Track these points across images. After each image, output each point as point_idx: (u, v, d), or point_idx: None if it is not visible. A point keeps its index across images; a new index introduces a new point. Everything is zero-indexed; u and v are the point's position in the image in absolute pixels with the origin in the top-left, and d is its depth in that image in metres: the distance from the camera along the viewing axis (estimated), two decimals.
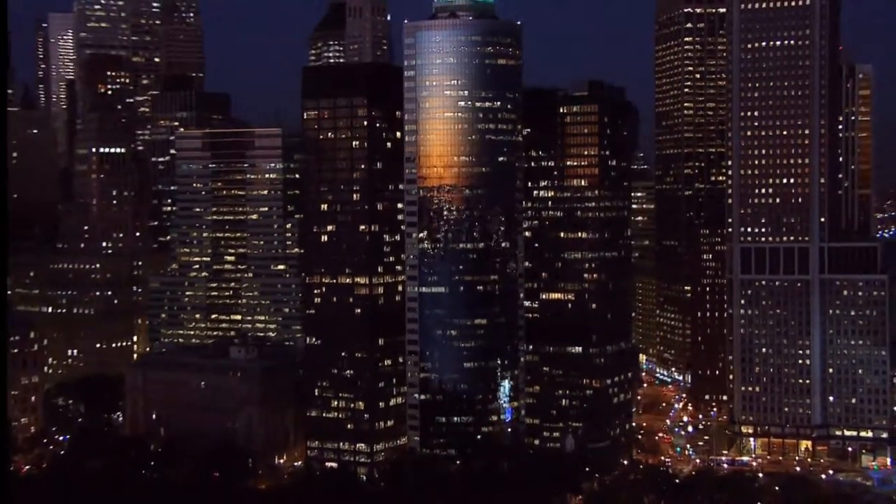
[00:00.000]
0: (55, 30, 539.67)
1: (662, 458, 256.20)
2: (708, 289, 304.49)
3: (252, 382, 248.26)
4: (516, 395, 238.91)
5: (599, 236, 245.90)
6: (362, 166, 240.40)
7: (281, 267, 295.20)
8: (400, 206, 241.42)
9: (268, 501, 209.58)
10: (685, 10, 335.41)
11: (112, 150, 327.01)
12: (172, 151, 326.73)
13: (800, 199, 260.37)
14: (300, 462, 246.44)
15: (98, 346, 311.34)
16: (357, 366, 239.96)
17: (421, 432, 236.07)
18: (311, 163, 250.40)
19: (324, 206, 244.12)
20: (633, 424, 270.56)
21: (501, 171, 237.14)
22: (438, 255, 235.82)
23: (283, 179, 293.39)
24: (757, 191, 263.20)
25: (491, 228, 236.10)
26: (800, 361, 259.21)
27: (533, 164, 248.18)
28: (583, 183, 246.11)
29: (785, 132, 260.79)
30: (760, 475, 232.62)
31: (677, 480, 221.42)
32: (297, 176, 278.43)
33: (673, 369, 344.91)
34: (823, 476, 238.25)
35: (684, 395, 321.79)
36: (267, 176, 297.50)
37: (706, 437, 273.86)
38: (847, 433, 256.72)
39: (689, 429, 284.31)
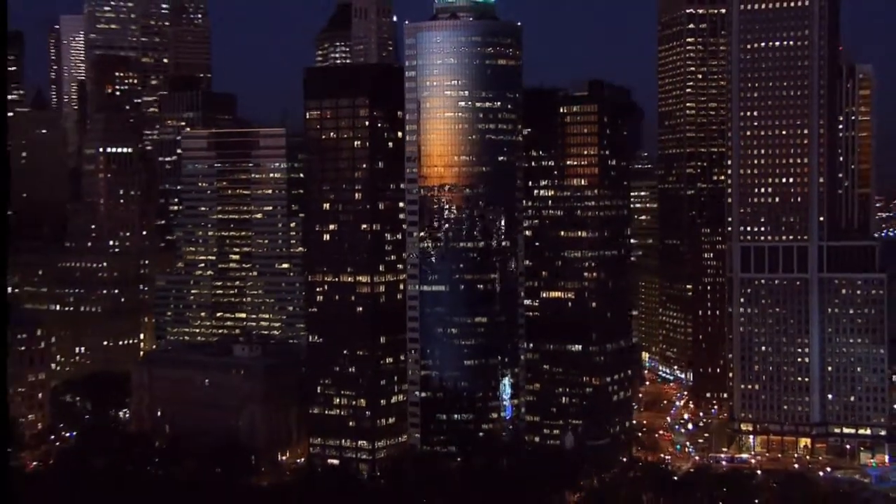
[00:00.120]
0: (67, 31, 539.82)
1: (662, 455, 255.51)
2: (709, 287, 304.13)
3: (255, 380, 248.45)
4: (516, 393, 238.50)
5: (599, 235, 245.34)
6: (364, 166, 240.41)
7: (285, 266, 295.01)
8: (401, 205, 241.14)
9: (269, 498, 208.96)
10: (687, 11, 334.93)
11: (119, 149, 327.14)
12: (179, 151, 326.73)
13: (799, 199, 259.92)
14: (303, 459, 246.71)
15: (105, 343, 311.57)
16: (359, 363, 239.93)
17: (422, 430, 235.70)
18: (314, 162, 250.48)
19: (326, 206, 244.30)
20: (634, 422, 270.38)
21: (501, 171, 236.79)
22: (439, 253, 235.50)
23: (287, 179, 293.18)
24: (756, 190, 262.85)
25: (491, 227, 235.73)
26: (799, 359, 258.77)
27: (533, 163, 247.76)
28: (583, 182, 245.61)
29: (784, 132, 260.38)
30: (759, 472, 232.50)
31: (675, 478, 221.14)
32: (302, 175, 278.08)
33: (675, 367, 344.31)
34: (821, 473, 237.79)
35: (686, 393, 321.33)
36: (271, 175, 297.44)
37: (706, 435, 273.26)
38: (846, 431, 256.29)
39: (690, 426, 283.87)
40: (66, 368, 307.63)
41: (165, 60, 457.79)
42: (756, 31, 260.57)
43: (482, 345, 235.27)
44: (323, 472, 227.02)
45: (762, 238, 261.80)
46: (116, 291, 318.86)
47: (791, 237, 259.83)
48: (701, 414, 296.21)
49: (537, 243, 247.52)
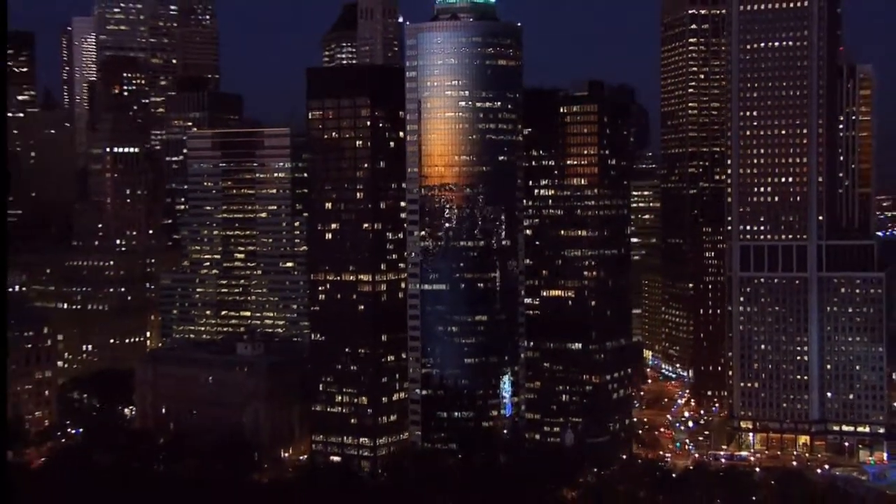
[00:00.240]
0: (79, 33, 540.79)
1: (661, 452, 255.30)
2: (710, 286, 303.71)
3: (258, 378, 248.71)
4: (516, 391, 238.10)
5: (599, 234, 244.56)
6: (365, 165, 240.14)
7: (289, 264, 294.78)
8: (402, 204, 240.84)
9: (271, 495, 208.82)
10: (689, 12, 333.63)
11: (126, 149, 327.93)
12: (185, 151, 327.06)
13: (798, 198, 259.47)
14: (305, 456, 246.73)
15: (112, 341, 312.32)
16: (360, 361, 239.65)
17: (423, 427, 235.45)
18: (316, 162, 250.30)
19: (328, 205, 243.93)
20: (634, 420, 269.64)
21: (502, 170, 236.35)
22: (440, 252, 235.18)
23: (291, 178, 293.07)
24: (756, 189, 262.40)
25: (491, 226, 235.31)
26: (798, 358, 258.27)
27: (534, 163, 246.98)
28: (583, 182, 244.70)
29: (783, 132, 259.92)
30: (757, 470, 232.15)
31: (674, 475, 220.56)
32: (306, 175, 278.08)
33: (677, 365, 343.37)
34: (819, 471, 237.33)
35: (687, 391, 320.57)
36: (276, 175, 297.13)
37: (706, 433, 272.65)
38: (845, 429, 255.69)
39: (690, 424, 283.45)
40: (74, 366, 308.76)
41: (174, 61, 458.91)
42: (755, 31, 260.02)
43: (482, 343, 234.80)
44: (324, 468, 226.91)
45: (762, 237, 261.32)
46: (123, 290, 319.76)
47: (790, 236, 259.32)
48: (702, 412, 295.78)
49: (538, 242, 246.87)
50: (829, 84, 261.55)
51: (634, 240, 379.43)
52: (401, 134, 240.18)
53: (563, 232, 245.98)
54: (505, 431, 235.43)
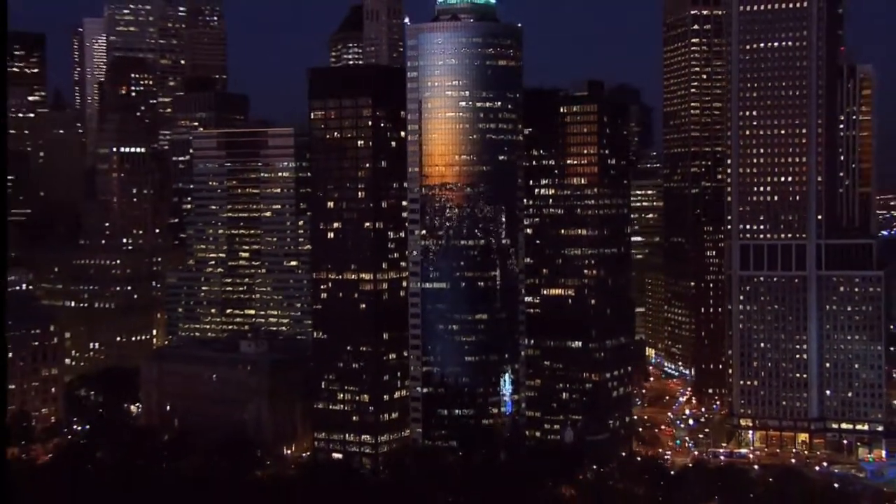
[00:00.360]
0: (90, 34, 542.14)
1: (661, 450, 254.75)
2: (711, 284, 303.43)
3: (261, 375, 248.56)
4: (517, 389, 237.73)
5: (599, 233, 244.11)
6: (367, 165, 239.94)
7: (293, 263, 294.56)
8: (404, 203, 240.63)
9: (272, 492, 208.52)
10: (692, 13, 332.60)
11: (132, 149, 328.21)
12: (191, 151, 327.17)
13: (797, 197, 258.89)
14: (308, 453, 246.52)
15: (118, 339, 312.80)
16: (362, 359, 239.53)
17: (423, 424, 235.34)
18: (318, 162, 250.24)
19: (330, 204, 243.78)
20: (635, 417, 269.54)
21: (502, 170, 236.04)
22: (440, 251, 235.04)
23: (295, 178, 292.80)
24: (755, 189, 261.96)
25: (491, 226, 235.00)
26: (797, 356, 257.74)
27: (534, 162, 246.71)
28: (582, 181, 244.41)
29: (783, 131, 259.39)
30: (756, 467, 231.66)
31: (672, 473, 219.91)
32: (309, 174, 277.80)
33: (680, 363, 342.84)
34: (817, 468, 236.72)
35: (689, 389, 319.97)
36: (280, 174, 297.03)
37: (706, 430, 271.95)
38: (843, 426, 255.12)
39: (691, 422, 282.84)
40: (81, 363, 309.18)
41: (182, 62, 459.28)
42: (755, 31, 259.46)
43: (483, 341, 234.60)
44: (325, 465, 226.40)
45: (761, 236, 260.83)
46: (129, 288, 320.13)
47: (790, 235, 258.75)
48: (702, 409, 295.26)
49: (538, 241, 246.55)
50: (828, 84, 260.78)
51: (637, 238, 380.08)
52: (402, 134, 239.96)
53: (563, 231, 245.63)
54: (505, 429, 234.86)
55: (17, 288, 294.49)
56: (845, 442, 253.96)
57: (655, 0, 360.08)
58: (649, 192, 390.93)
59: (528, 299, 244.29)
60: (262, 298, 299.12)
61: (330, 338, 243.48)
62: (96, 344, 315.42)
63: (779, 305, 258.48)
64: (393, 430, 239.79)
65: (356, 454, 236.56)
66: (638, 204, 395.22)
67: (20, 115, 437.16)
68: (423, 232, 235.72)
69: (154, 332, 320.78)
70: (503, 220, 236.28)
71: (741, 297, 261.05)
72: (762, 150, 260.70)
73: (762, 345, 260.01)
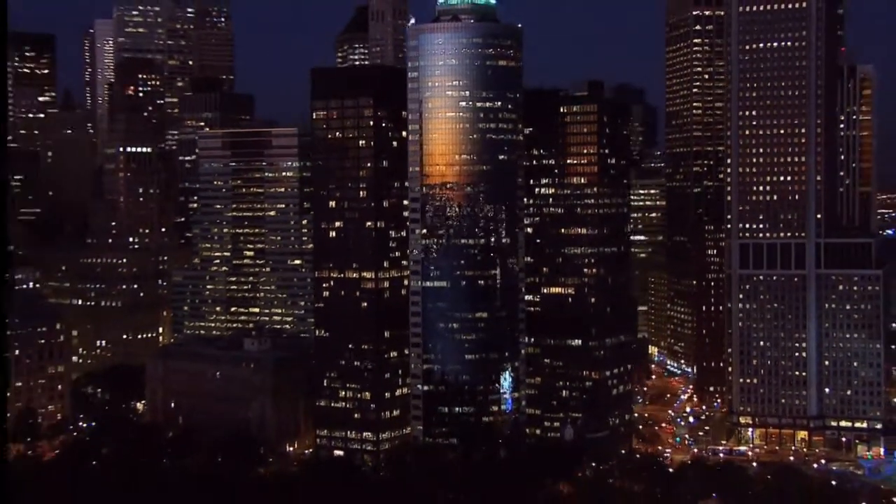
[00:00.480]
0: (101, 35, 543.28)
1: (661, 447, 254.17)
2: (712, 283, 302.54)
3: (264, 373, 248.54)
4: (517, 387, 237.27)
5: (599, 232, 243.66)
6: (368, 165, 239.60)
7: (297, 262, 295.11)
8: (405, 203, 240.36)
9: (274, 489, 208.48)
10: (694, 13, 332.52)
11: (139, 149, 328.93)
12: (197, 151, 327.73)
13: (797, 197, 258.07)
14: (311, 450, 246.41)
15: (125, 337, 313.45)
16: (364, 357, 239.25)
17: (424, 422, 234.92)
18: (320, 161, 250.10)
19: (332, 203, 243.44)
20: (636, 415, 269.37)
21: (502, 169, 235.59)
22: (441, 250, 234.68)
23: (299, 177, 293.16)
24: (755, 188, 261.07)
25: (492, 225, 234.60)
26: (796, 354, 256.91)
27: (534, 162, 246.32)
28: (582, 180, 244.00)
29: (782, 131, 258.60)
30: (754, 464, 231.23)
31: (671, 470, 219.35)
32: (311, 174, 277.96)
33: (682, 361, 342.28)
34: (816, 465, 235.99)
35: (691, 387, 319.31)
36: (284, 174, 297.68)
37: (707, 428, 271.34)
38: (842, 424, 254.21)
39: (691, 419, 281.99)
40: (88, 361, 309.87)
41: (190, 63, 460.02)
42: (755, 32, 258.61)
43: (483, 339, 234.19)
44: (326, 463, 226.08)
45: (761, 235, 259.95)
46: (136, 286, 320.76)
47: (789, 234, 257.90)
48: (703, 407, 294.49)
49: (538, 240, 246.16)
50: (828, 84, 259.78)
51: (641, 237, 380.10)
52: (403, 133, 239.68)
53: (563, 230, 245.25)
54: (505, 427, 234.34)
55: (25, 286, 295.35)
56: (844, 439, 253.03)
57: (658, 0, 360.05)
58: (652, 191, 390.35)
59: (528, 298, 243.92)
60: (267, 297, 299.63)
61: (332, 336, 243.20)
62: (103, 342, 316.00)
63: (778, 304, 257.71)
64: (394, 427, 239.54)
65: (358, 451, 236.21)
66: (641, 203, 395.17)
67: (30, 115, 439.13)
68: (424, 231, 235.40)
69: (160, 330, 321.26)
70: (503, 219, 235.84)
71: (741, 296, 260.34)
72: (762, 150, 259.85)
73: (762, 343, 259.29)
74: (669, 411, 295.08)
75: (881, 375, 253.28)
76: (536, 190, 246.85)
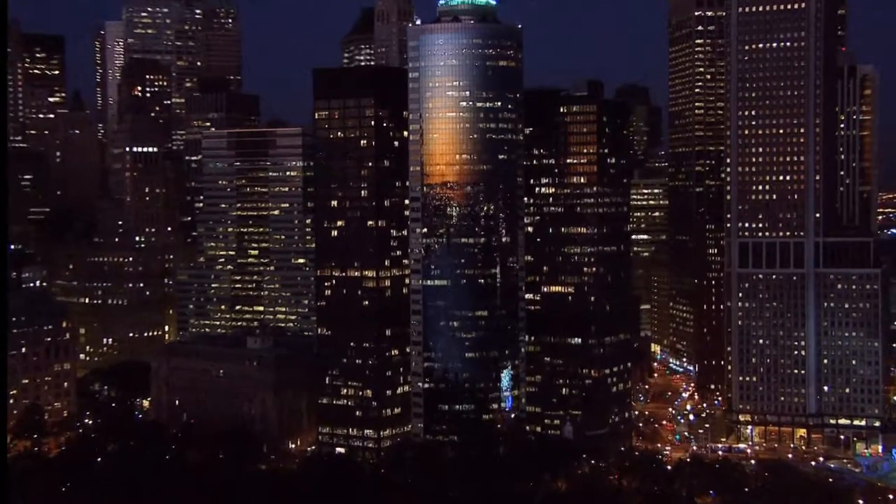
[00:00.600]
0: (111, 37, 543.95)
1: (660, 445, 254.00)
2: (713, 282, 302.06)
3: (267, 370, 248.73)
4: (517, 384, 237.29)
5: (598, 231, 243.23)
6: (370, 164, 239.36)
7: (301, 261, 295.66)
8: (406, 202, 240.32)
9: (273, 485, 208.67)
10: (696, 14, 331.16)
11: (145, 149, 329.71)
12: (203, 150, 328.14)
13: (796, 196, 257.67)
14: (313, 447, 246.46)
15: (131, 335, 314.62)
16: (365, 355, 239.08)
17: (425, 419, 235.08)
18: (322, 161, 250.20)
19: (334, 203, 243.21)
20: (636, 413, 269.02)
21: (502, 169, 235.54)
22: (442, 249, 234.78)
23: (302, 177, 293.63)
24: (754, 187, 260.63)
25: (492, 224, 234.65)
26: (795, 352, 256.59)
27: (534, 161, 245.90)
28: (582, 180, 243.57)
29: (781, 131, 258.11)
30: (753, 462, 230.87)
31: (668, 467, 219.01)
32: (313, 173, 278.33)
33: (684, 359, 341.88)
34: (813, 463, 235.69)
35: (692, 385, 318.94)
36: (288, 174, 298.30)
37: (706, 425, 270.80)
38: (841, 422, 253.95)
39: (691, 417, 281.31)
40: (95, 359, 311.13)
41: (199, 63, 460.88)
42: (754, 32, 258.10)
43: (483, 337, 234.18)
44: (326, 460, 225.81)
45: (760, 234, 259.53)
46: (142, 285, 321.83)
47: (788, 233, 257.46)
48: (704, 405, 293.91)
49: (538, 239, 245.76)
50: (827, 84, 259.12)
51: (644, 236, 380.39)
52: (404, 133, 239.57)
53: (563, 229, 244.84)
54: (505, 424, 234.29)
55: (32, 285, 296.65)
56: (843, 437, 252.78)
57: (662, 1, 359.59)
58: (656, 190, 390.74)
59: (528, 296, 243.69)
60: (271, 295, 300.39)
61: (334, 334, 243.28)
62: (110, 339, 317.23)
63: (777, 303, 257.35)
64: (395, 424, 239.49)
65: (359, 449, 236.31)
66: (645, 202, 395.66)
67: (40, 115, 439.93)
68: (425, 230, 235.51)
69: (166, 328, 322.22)
70: (503, 218, 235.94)
71: (740, 295, 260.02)
72: (761, 150, 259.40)
73: (761, 341, 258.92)
74: (670, 409, 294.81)
75: (880, 374, 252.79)
76: (536, 189, 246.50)
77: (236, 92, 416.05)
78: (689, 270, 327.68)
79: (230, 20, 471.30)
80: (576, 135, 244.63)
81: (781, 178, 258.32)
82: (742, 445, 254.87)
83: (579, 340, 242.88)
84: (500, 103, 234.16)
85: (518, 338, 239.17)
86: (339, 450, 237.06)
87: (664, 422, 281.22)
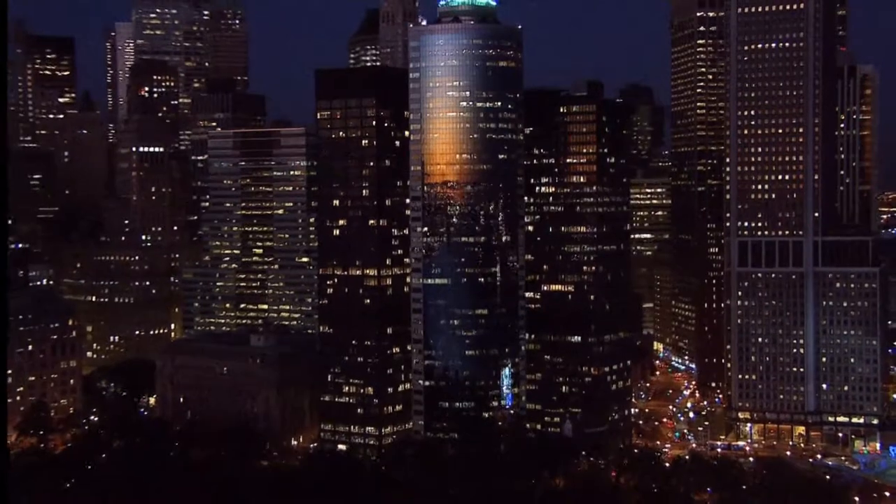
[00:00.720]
0: (122, 38, 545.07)
1: (659, 442, 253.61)
2: (714, 281, 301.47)
3: (270, 368, 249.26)
4: (517, 382, 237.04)
5: (598, 230, 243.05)
6: (371, 164, 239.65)
7: (304, 259, 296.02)
8: (407, 201, 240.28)
9: (274, 482, 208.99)
10: (698, 14, 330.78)
11: (151, 149, 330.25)
12: (208, 150, 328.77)
13: (795, 195, 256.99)
14: (315, 444, 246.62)
15: (137, 333, 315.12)
16: (367, 353, 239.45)
17: (425, 417, 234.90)
18: (324, 160, 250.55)
19: (336, 202, 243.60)
20: (636, 410, 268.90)
21: (502, 168, 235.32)
22: (442, 248, 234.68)
23: (306, 176, 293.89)
24: (754, 187, 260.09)
25: (492, 223, 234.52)
26: (794, 350, 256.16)
27: (534, 161, 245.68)
28: (582, 179, 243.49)
29: (780, 130, 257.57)
30: (751, 459, 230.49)
31: (666, 464, 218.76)
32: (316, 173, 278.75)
33: (686, 357, 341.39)
34: (811, 460, 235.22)
35: (694, 383, 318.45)
36: (292, 173, 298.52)
37: (706, 423, 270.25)
38: (839, 419, 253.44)
39: (691, 415, 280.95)
40: (102, 356, 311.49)
41: (206, 64, 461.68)
42: (753, 32, 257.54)
43: (483, 336, 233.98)
44: (326, 456, 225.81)
45: (759, 233, 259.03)
46: (148, 283, 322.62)
47: (787, 232, 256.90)
48: (705, 403, 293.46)
49: (538, 238, 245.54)
50: (827, 84, 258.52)
51: (647, 235, 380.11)
52: (405, 133, 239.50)
53: (562, 228, 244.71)
54: (504, 421, 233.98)
55: (39, 283, 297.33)
56: (841, 435, 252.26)
57: (661, 2, 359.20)
58: (659, 189, 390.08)
59: (528, 295, 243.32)
60: (275, 293, 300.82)
61: (336, 332, 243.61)
62: (116, 337, 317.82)
63: (776, 301, 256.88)
64: (396, 422, 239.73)
65: (361, 445, 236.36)
66: (648, 202, 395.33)
67: (50, 116, 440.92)
68: (426, 229, 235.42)
69: (172, 326, 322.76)
70: (503, 217, 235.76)
71: (739, 293, 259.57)
72: (760, 149, 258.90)
73: (760, 339, 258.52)
74: (671, 407, 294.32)
75: (878, 372, 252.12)
76: (536, 189, 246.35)
77: (243, 92, 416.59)
78: (691, 269, 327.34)
79: (237, 21, 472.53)
80: (575, 134, 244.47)
81: (780, 177, 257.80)
82: (741, 443, 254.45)
83: (579, 339, 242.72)
84: (500, 103, 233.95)
85: (518, 336, 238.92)
86: (341, 447, 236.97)
87: (665, 419, 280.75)
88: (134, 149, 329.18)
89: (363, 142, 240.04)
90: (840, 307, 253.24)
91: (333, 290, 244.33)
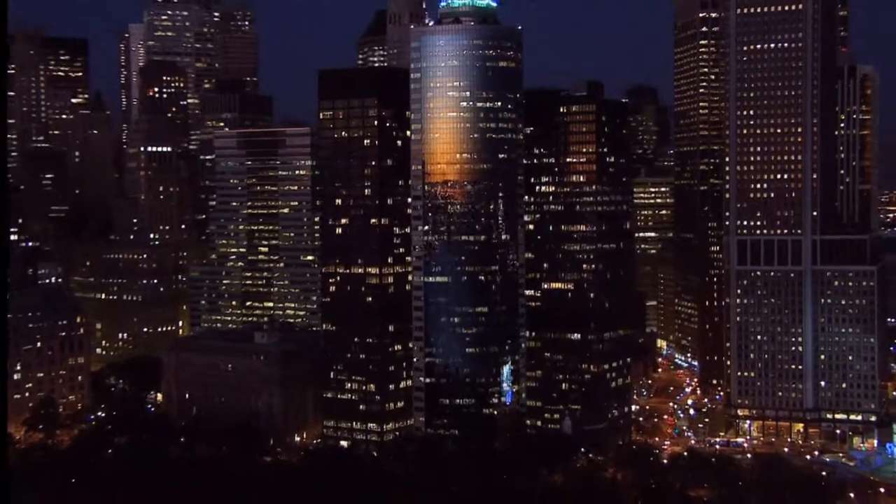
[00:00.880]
0: (134, 39, 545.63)
1: (658, 439, 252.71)
2: (715, 279, 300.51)
3: (273, 365, 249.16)
4: (517, 379, 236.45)
5: (598, 229, 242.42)
6: (373, 163, 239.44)
7: (309, 258, 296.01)
8: (408, 200, 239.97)
9: (276, 478, 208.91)
10: (700, 15, 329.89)
11: (159, 149, 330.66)
12: (215, 150, 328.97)
13: (793, 194, 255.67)
14: (318, 440, 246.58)
15: (145, 330, 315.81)
16: (368, 350, 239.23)
17: (426, 413, 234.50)
18: (327, 160, 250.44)
19: (338, 201, 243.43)
20: (636, 407, 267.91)
21: (502, 168, 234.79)
22: (443, 246, 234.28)
23: (311, 176, 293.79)
24: (753, 186, 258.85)
25: (492, 222, 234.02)
26: (793, 348, 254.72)
27: (534, 160, 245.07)
28: (581, 178, 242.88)
29: (779, 130, 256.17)
30: (749, 456, 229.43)
31: (665, 461, 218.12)
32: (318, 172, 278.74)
33: (688, 355, 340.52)
34: (809, 457, 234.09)
35: (695, 380, 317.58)
36: (297, 173, 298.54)
37: (706, 420, 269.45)
38: (838, 417, 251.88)
39: (692, 412, 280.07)
40: (111, 353, 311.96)
41: (216, 65, 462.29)
42: (752, 33, 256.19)
43: (484, 333, 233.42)
44: (328, 452, 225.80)
45: (758, 232, 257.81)
46: (156, 281, 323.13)
47: (786, 231, 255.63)
48: (705, 400, 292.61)
49: (538, 237, 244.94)
50: (826, 84, 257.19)
51: (651, 234, 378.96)
52: (407, 133, 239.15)
53: (562, 227, 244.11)
54: (504, 418, 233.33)
55: (48, 281, 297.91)
56: (839, 432, 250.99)
57: (663, 2, 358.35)
58: (663, 188, 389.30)
59: (528, 293, 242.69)
60: (280, 291, 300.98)
61: (338, 329, 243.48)
62: (124, 334, 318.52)
63: (775, 299, 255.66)
64: (397, 418, 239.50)
65: (362, 442, 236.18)
66: (652, 200, 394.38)
67: (62, 116, 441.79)
68: (427, 228, 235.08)
69: (179, 323, 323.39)
70: (504, 216, 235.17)
71: (739, 291, 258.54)
72: (759, 149, 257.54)
73: (759, 337, 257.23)
74: (672, 404, 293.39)
75: (876, 369, 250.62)
76: (537, 188, 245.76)
77: (252, 93, 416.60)
78: (694, 267, 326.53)
79: (247, 23, 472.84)
80: (575, 134, 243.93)
81: (779, 176, 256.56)
82: (740, 440, 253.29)
83: (579, 336, 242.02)
84: (500, 103, 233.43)
85: (518, 333, 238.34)
86: (343, 443, 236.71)
87: (665, 416, 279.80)
88: (142, 149, 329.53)
89: (365, 141, 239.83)
90: (838, 305, 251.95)
91: (336, 287, 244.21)
